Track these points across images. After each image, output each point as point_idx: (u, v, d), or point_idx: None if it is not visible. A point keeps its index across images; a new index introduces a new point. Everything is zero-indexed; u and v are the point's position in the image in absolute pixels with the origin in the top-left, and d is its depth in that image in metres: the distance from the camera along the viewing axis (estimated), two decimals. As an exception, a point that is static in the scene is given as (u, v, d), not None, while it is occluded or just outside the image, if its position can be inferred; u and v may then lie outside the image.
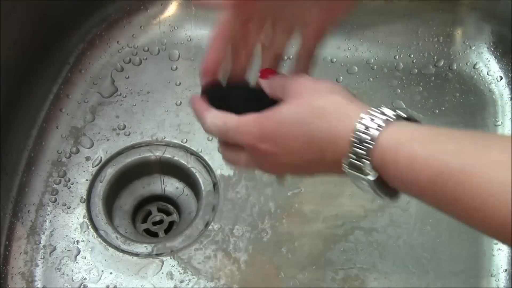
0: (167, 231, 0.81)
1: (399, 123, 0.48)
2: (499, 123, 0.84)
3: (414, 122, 0.49)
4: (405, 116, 0.49)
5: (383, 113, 0.49)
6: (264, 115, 0.54)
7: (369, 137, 0.48)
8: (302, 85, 0.54)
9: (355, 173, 0.49)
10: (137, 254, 0.77)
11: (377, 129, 0.48)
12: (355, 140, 0.48)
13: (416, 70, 0.88)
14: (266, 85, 0.57)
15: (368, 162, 0.48)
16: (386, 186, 0.49)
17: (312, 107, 0.51)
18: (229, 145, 0.58)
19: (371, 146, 0.47)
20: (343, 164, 0.49)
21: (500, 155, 0.43)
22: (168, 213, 0.83)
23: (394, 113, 0.49)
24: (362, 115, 0.49)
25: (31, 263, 0.76)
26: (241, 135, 0.55)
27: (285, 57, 0.61)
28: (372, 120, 0.48)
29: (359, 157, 0.48)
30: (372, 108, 0.49)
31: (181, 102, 0.86)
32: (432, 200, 0.46)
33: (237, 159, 0.58)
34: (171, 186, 0.83)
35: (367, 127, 0.48)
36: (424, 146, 0.46)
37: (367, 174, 0.48)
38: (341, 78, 0.87)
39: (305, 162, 0.53)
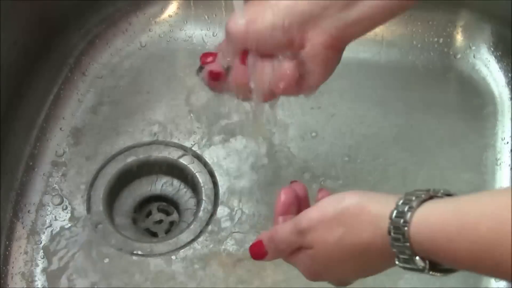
0: (167, 231, 0.82)
1: (432, 201, 0.48)
2: (499, 123, 0.84)
3: (447, 196, 0.49)
4: (439, 192, 0.49)
5: (411, 194, 0.49)
6: (311, 253, 0.55)
7: (402, 220, 0.48)
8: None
9: (407, 265, 0.49)
10: (137, 254, 0.77)
11: (408, 210, 0.48)
12: (392, 228, 0.48)
13: (416, 70, 0.88)
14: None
15: (409, 248, 0.48)
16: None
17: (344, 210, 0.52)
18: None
19: (406, 229, 0.47)
20: (396, 261, 0.49)
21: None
22: (168, 213, 0.83)
23: (423, 191, 0.49)
24: (396, 200, 0.49)
25: (31, 263, 0.76)
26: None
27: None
28: (405, 203, 0.48)
29: (398, 242, 0.48)
30: (397, 196, 0.49)
31: (181, 103, 0.86)
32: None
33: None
34: (171, 186, 0.83)
35: (401, 212, 0.48)
36: (455, 214, 0.46)
37: (417, 264, 0.48)
38: (341, 78, 0.87)
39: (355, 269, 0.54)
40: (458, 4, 0.89)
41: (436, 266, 0.49)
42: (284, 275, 0.75)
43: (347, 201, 0.52)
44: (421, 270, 0.49)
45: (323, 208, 0.54)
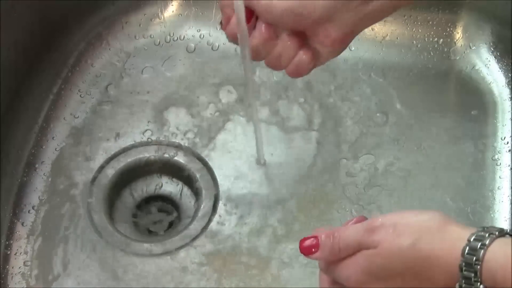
0: (167, 231, 0.82)
1: (503, 238, 0.48)
2: (499, 123, 0.84)
3: None
4: (507, 231, 0.49)
5: (485, 230, 0.48)
6: (371, 253, 0.52)
7: (474, 258, 0.47)
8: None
9: None
10: (137, 254, 0.77)
11: (481, 247, 0.47)
12: (463, 264, 0.47)
13: (416, 70, 0.88)
14: None
15: (479, 284, 0.47)
16: None
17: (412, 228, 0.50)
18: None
19: (478, 267, 0.47)
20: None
21: None
22: (168, 213, 0.83)
23: (496, 229, 0.48)
24: (468, 236, 0.48)
25: (31, 263, 0.76)
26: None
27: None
28: (477, 240, 0.48)
29: (469, 282, 0.47)
30: (475, 228, 0.49)
31: (181, 102, 0.86)
32: None
33: None
34: (171, 186, 0.83)
35: (472, 249, 0.47)
36: None
37: None
38: (341, 78, 0.87)
39: None
40: (458, 4, 0.89)
41: None
42: (285, 275, 0.75)
43: (431, 214, 0.51)
44: None
45: (403, 214, 0.52)
